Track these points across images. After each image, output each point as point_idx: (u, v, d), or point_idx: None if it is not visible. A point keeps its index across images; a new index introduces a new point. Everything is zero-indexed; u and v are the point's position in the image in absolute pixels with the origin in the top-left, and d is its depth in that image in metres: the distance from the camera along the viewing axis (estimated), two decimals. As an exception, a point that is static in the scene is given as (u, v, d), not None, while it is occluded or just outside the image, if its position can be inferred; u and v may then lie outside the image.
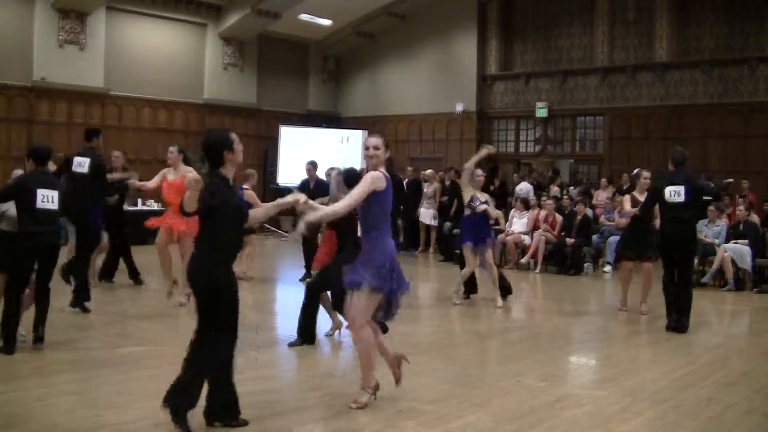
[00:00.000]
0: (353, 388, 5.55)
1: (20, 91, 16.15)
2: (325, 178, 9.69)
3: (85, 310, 8.18)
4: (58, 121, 16.55)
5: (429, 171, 16.55)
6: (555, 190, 16.22)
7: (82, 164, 8.57)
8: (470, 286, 9.97)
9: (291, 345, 7.04)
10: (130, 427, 4.63)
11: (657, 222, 8.67)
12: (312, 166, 11.52)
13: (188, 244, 8.87)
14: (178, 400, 4.42)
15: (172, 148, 9.11)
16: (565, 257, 13.49)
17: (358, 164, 18.84)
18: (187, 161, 9.07)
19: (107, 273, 10.43)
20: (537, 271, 13.46)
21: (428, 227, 16.23)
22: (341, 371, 6.51)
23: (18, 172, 7.26)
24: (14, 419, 4.73)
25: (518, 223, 14.12)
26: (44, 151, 6.75)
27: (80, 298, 8.23)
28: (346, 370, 6.47)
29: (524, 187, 15.98)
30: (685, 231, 8.27)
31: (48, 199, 6.51)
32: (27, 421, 4.70)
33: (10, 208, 6.63)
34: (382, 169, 5.09)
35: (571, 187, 16.79)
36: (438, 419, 4.94)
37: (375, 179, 4.98)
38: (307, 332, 7.13)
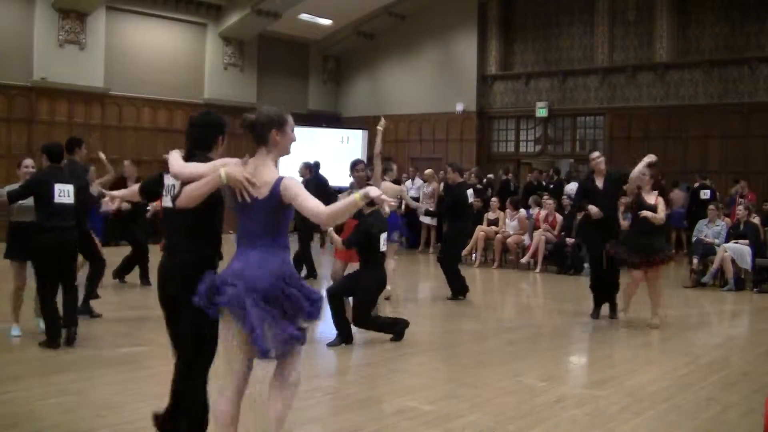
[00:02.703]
0: (353, 388, 5.55)
1: (20, 91, 16.16)
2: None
3: (92, 316, 8.10)
4: (59, 121, 16.57)
5: (428, 171, 16.53)
6: None
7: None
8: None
9: (330, 345, 6.98)
10: (130, 427, 4.63)
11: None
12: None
13: None
14: None
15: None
16: (565, 257, 13.49)
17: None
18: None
19: (121, 272, 10.32)
20: (537, 270, 13.46)
21: (429, 227, 16.21)
22: (341, 371, 6.53)
23: (28, 161, 7.24)
24: (15, 419, 4.73)
25: (509, 225, 14.09)
26: (58, 149, 6.87)
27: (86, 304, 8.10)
28: (346, 370, 6.49)
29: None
30: None
31: (65, 193, 6.59)
32: (28, 421, 4.71)
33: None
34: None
35: None
36: (438, 419, 4.94)
37: None
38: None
